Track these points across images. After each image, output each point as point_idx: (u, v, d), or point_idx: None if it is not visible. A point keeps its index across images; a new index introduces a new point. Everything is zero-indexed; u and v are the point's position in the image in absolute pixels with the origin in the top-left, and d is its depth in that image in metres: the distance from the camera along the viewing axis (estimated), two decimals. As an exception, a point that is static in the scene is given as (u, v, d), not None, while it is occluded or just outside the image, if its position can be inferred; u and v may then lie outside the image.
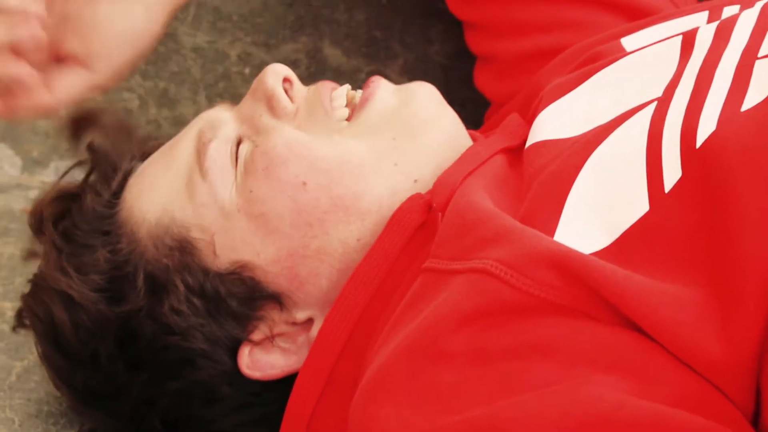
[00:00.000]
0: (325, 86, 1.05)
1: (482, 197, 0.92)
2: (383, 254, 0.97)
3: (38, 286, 1.06)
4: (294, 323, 1.00)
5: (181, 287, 0.99)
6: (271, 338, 0.99)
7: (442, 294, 0.87)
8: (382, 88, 1.04)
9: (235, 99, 1.22)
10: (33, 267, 1.32)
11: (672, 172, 0.86)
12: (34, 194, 1.52)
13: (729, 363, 0.80)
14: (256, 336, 1.00)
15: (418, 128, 1.01)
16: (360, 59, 1.43)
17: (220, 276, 0.99)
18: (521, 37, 1.20)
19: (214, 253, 0.99)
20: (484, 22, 1.23)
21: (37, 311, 1.05)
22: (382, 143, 1.00)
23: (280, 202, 0.98)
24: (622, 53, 1.02)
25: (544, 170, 0.93)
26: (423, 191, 0.99)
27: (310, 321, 1.00)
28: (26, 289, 1.11)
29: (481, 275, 0.85)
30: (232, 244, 0.99)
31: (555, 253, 0.84)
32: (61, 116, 1.19)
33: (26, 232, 1.41)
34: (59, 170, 1.53)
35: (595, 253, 0.85)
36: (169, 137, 1.48)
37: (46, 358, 1.07)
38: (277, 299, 0.99)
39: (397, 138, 1.00)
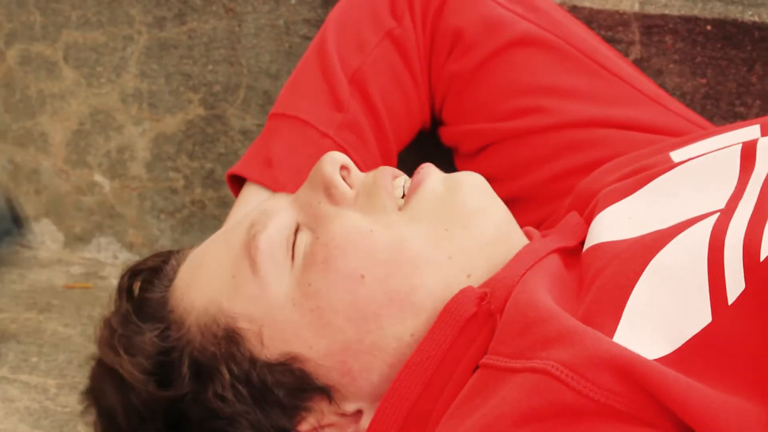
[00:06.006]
0: (386, 171, 1.05)
1: (544, 295, 0.93)
2: (435, 346, 0.97)
3: (97, 362, 1.08)
4: (343, 414, 1.00)
5: (227, 375, 0.99)
6: (318, 429, 1.00)
7: (501, 391, 0.87)
8: (432, 174, 1.04)
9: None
10: (75, 344, 1.33)
11: (735, 285, 0.86)
12: (75, 270, 1.53)
13: None
14: (304, 427, 1.00)
15: (468, 218, 1.02)
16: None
17: (269, 366, 0.99)
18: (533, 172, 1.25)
19: (262, 343, 0.99)
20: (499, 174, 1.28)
21: (94, 392, 1.06)
22: (436, 233, 1.00)
23: (338, 296, 0.98)
24: (671, 164, 1.03)
25: (601, 274, 0.94)
26: (475, 286, 0.99)
27: (359, 412, 1.00)
28: (69, 366, 1.11)
29: (542, 376, 0.85)
30: (282, 335, 0.99)
31: (618, 357, 0.84)
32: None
33: (68, 308, 1.42)
34: (101, 247, 1.54)
35: (657, 360, 0.85)
36: (214, 218, 1.50)
37: None
38: (326, 392, 0.99)
39: (449, 228, 1.01)
